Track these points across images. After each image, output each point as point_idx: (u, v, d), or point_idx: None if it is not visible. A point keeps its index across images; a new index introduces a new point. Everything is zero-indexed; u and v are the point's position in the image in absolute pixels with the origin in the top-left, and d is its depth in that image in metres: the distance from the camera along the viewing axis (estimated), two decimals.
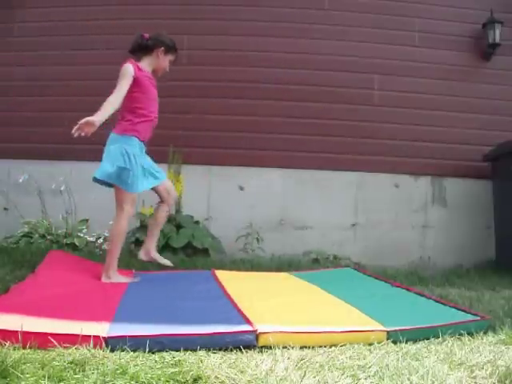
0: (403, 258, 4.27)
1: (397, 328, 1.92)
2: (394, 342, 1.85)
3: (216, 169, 4.32)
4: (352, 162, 4.39)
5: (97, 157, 4.25)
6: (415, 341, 1.88)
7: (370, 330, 1.91)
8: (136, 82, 2.72)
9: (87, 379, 1.33)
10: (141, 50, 2.85)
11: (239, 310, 2.03)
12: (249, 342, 1.74)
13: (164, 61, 2.89)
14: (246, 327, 1.81)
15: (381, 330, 1.91)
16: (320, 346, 1.76)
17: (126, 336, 1.65)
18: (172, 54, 2.91)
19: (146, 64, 2.85)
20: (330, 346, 1.77)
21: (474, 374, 1.51)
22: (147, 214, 3.77)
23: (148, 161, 2.88)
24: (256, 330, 1.77)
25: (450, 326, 1.99)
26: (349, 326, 1.92)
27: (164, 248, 3.60)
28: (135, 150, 2.75)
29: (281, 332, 1.79)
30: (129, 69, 2.69)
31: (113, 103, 2.62)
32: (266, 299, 2.33)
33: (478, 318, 2.12)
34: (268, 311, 2.07)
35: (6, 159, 4.32)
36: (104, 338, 1.64)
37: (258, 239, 4.17)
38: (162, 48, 2.85)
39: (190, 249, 3.76)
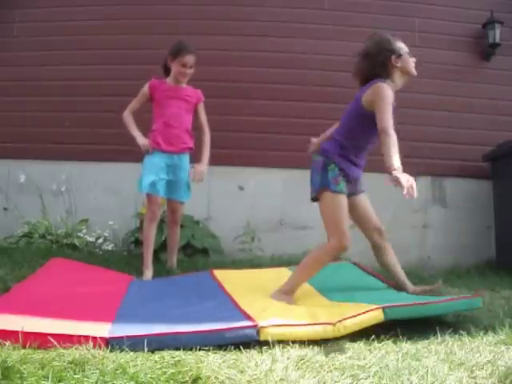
0: (403, 257, 4.22)
1: (392, 304, 1.94)
2: (394, 342, 1.85)
3: (216, 169, 4.31)
4: None
5: (96, 157, 4.29)
6: (415, 341, 1.88)
7: (365, 311, 1.92)
8: (151, 98, 3.12)
9: (87, 379, 1.33)
10: (166, 69, 3.18)
11: (239, 308, 2.04)
12: (250, 337, 1.74)
13: (175, 67, 3.10)
14: (246, 323, 1.81)
15: (376, 308, 1.93)
16: (319, 345, 1.76)
17: (127, 336, 1.65)
18: (178, 58, 3.06)
19: (170, 78, 3.15)
20: (331, 346, 1.77)
21: (474, 374, 1.51)
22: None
23: (175, 177, 3.12)
24: (257, 325, 1.77)
25: (443, 303, 2.02)
26: (346, 314, 1.93)
27: (163, 248, 3.59)
28: (154, 159, 3.07)
29: (282, 325, 1.79)
30: (143, 88, 3.14)
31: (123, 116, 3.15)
32: (266, 297, 2.32)
33: (470, 295, 2.17)
34: (269, 308, 2.07)
35: (5, 159, 4.32)
36: (106, 338, 1.65)
37: (257, 239, 4.16)
38: (169, 57, 3.10)
39: (190, 249, 3.75)
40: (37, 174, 4.23)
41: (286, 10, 4.49)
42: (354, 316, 1.89)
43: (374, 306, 1.94)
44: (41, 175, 4.25)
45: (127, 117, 3.12)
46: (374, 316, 1.90)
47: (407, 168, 4.62)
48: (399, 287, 2.65)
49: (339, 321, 1.86)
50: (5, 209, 4.26)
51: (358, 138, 2.51)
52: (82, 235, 3.97)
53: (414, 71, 2.53)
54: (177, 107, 3.08)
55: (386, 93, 2.36)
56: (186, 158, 3.19)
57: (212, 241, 3.90)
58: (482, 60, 4.56)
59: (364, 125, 2.45)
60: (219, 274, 2.87)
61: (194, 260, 3.64)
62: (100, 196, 4.24)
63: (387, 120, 2.30)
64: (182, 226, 3.78)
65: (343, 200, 2.43)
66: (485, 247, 4.32)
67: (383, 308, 1.92)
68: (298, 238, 4.29)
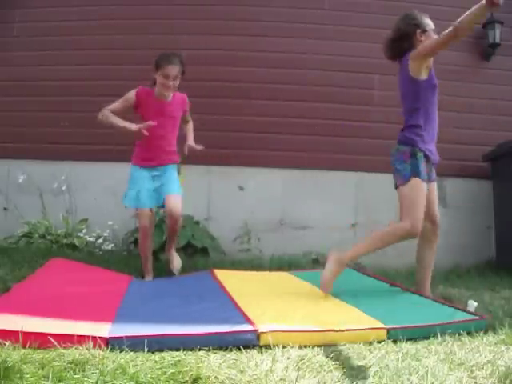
0: (403, 258, 4.26)
1: (397, 326, 1.92)
2: (394, 342, 1.85)
3: (216, 169, 4.32)
4: (352, 162, 4.39)
5: (96, 157, 4.29)
6: (415, 341, 1.88)
7: (369, 328, 1.92)
8: (136, 107, 2.95)
9: (87, 379, 1.33)
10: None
11: (240, 310, 2.04)
12: (250, 342, 1.75)
13: (158, 79, 2.93)
14: (247, 327, 1.81)
15: (381, 328, 1.92)
16: (320, 346, 1.76)
17: (127, 336, 1.64)
18: (160, 69, 2.89)
19: (156, 90, 2.98)
20: (330, 346, 1.77)
21: (474, 374, 1.51)
22: None
23: (156, 184, 2.97)
24: (257, 330, 1.78)
25: (448, 325, 1.99)
26: (349, 324, 1.93)
27: (164, 248, 3.59)
28: (136, 173, 3.00)
29: (282, 331, 1.80)
30: (129, 94, 2.95)
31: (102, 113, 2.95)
32: (267, 299, 2.33)
33: (477, 317, 2.13)
34: (269, 311, 2.07)
35: (6, 159, 4.32)
36: (106, 338, 1.64)
37: (257, 239, 4.16)
38: (154, 68, 2.93)
39: (190, 248, 3.75)
40: (37, 174, 4.23)
41: (286, 10, 4.49)
42: (358, 330, 1.90)
43: (380, 325, 1.94)
44: (41, 175, 4.25)
45: (108, 113, 2.87)
46: (378, 334, 1.89)
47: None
48: (417, 287, 2.71)
49: (341, 330, 1.87)
50: (5, 209, 4.26)
51: (428, 110, 2.57)
52: (81, 235, 3.97)
53: None
54: (162, 126, 2.90)
55: (420, 46, 2.49)
56: (170, 166, 3.06)
57: (212, 242, 3.90)
58: (482, 60, 4.56)
59: (425, 95, 2.55)
60: (219, 274, 2.88)
61: (194, 260, 3.64)
62: (100, 196, 4.24)
63: (437, 39, 2.44)
64: (182, 227, 3.79)
65: (425, 188, 2.52)
66: (485, 247, 4.32)
67: (388, 329, 1.91)
68: (298, 237, 4.30)
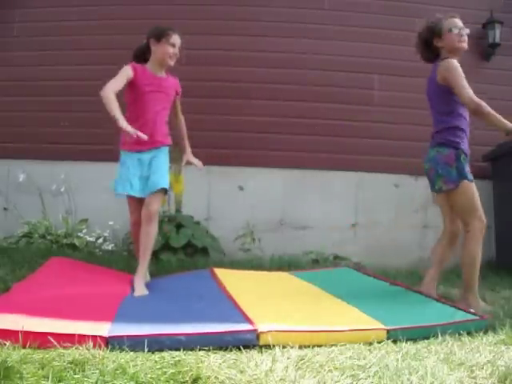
0: (403, 257, 4.27)
1: (397, 327, 1.92)
2: (394, 342, 1.85)
3: (216, 169, 4.32)
4: (352, 161, 4.39)
5: (96, 157, 4.29)
6: (415, 341, 1.88)
7: (369, 328, 1.92)
8: (131, 83, 2.77)
9: (87, 379, 1.33)
10: (144, 54, 2.91)
11: (240, 309, 2.04)
12: (250, 341, 1.75)
13: (161, 49, 2.83)
14: (246, 326, 1.81)
15: (381, 329, 1.92)
16: (320, 346, 1.76)
17: (127, 336, 1.65)
18: (165, 38, 2.81)
19: (151, 64, 2.88)
20: (331, 346, 1.77)
21: (474, 374, 1.51)
22: None
23: (146, 171, 2.78)
24: (257, 330, 1.78)
25: (449, 325, 1.99)
26: (349, 325, 1.93)
27: (164, 248, 3.59)
28: (123, 158, 2.83)
29: (282, 331, 1.80)
30: (125, 70, 2.77)
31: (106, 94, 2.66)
32: (267, 298, 2.33)
33: (477, 317, 2.13)
34: (268, 310, 2.07)
35: (5, 159, 4.32)
36: (105, 337, 1.64)
37: (257, 239, 4.16)
38: (152, 40, 2.86)
39: (190, 248, 3.75)
40: (36, 174, 4.23)
41: (286, 10, 4.49)
42: (358, 330, 1.90)
43: (380, 326, 1.94)
44: (41, 175, 4.25)
45: (113, 96, 2.61)
46: (378, 334, 1.89)
47: (407, 167, 4.62)
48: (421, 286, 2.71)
49: (341, 330, 1.87)
50: (5, 209, 4.26)
51: (460, 111, 2.60)
52: (81, 235, 3.97)
53: (458, 45, 2.60)
54: (158, 101, 2.82)
55: (452, 65, 2.51)
56: (161, 149, 2.86)
57: (213, 241, 3.90)
58: (482, 60, 4.55)
59: (456, 98, 2.57)
60: (219, 272, 2.87)
61: (194, 260, 3.64)
62: (100, 196, 4.23)
63: (465, 93, 2.47)
64: (182, 226, 3.79)
65: (475, 188, 2.55)
66: (485, 247, 4.28)
67: (388, 330, 1.91)
68: (298, 237, 4.30)
